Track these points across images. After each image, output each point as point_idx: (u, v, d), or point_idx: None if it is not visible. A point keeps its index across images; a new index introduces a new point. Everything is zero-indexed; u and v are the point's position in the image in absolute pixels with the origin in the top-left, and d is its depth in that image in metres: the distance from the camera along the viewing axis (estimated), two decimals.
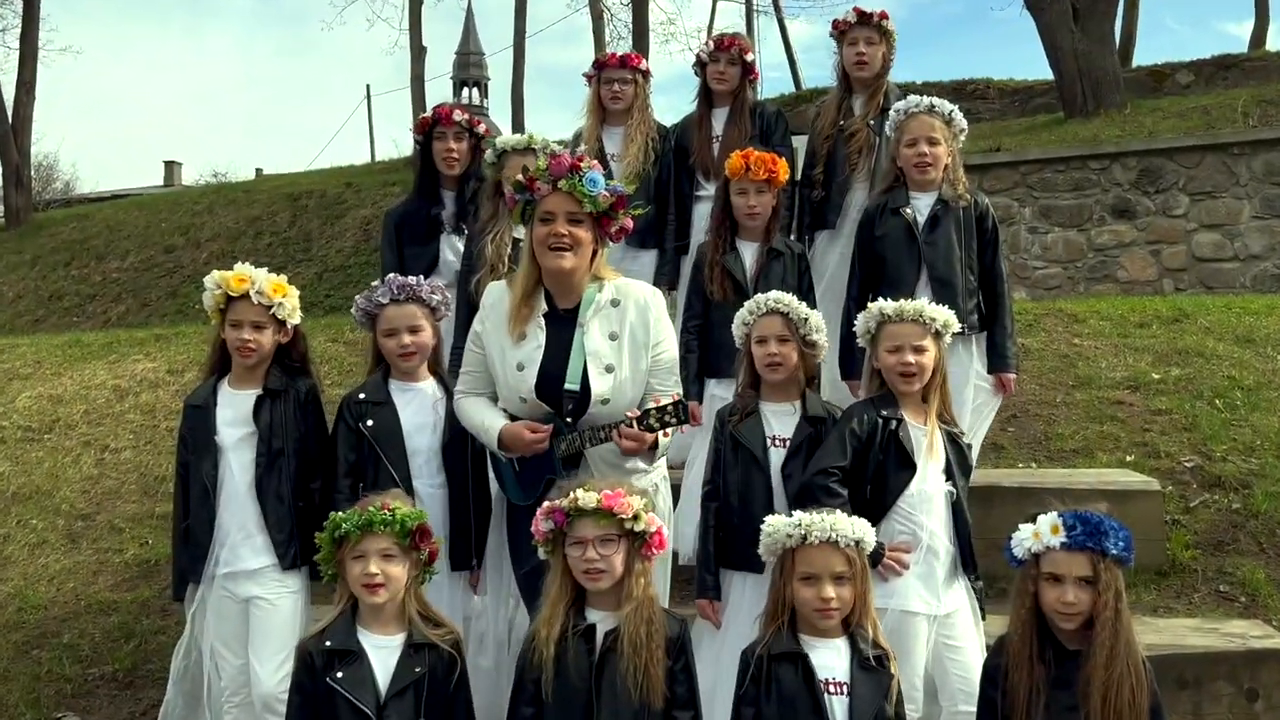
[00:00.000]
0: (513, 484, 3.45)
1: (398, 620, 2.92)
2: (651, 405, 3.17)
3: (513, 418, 3.36)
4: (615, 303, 3.35)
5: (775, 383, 3.56)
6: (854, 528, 2.81)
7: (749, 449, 3.51)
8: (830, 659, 2.77)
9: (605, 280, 3.38)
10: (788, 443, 3.51)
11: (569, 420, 3.28)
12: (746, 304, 3.66)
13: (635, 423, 3.15)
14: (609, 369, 3.29)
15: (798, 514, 2.85)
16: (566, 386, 3.28)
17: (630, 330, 3.32)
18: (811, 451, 3.45)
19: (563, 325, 3.33)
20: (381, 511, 2.89)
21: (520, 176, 3.34)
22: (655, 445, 3.22)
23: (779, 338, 3.53)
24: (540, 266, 3.31)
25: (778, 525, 2.85)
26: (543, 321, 3.34)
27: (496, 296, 3.45)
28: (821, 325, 3.58)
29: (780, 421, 3.55)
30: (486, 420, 3.38)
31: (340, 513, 2.93)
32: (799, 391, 3.58)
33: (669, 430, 3.18)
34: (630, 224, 3.39)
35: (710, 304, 4.27)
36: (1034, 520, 2.82)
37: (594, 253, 3.33)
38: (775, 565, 2.87)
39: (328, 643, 2.87)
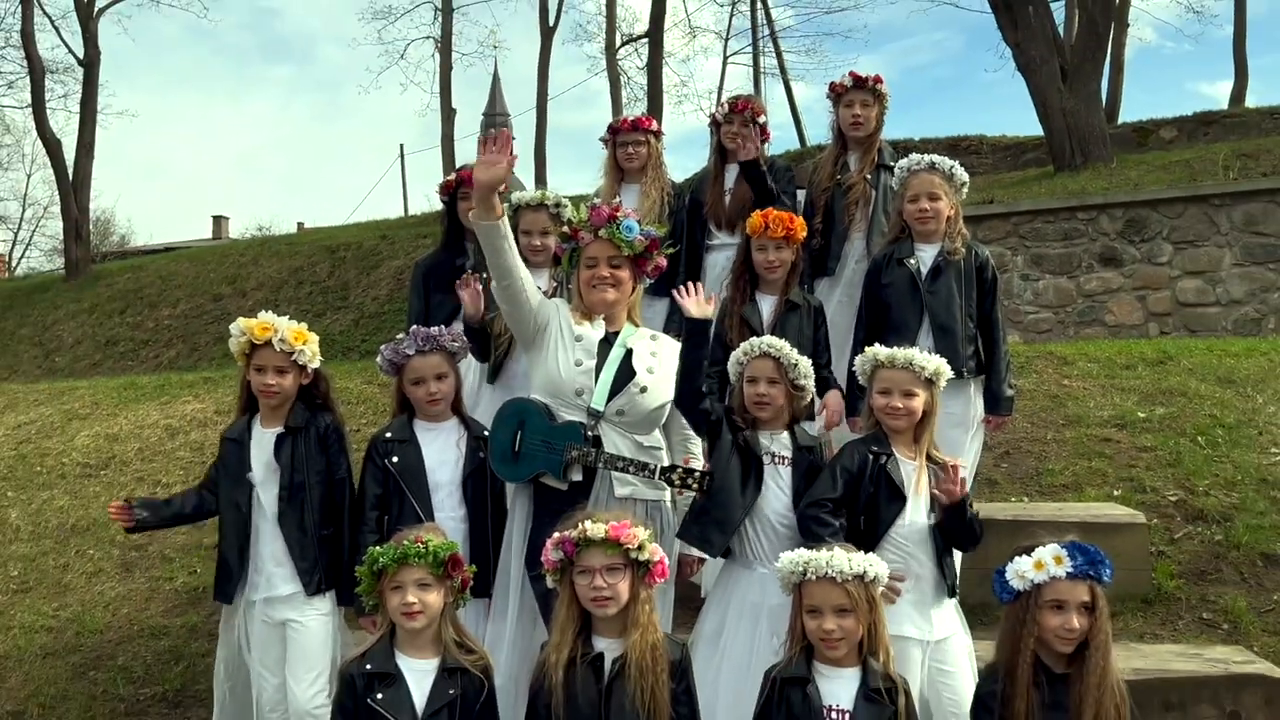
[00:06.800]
0: (505, 454, 3.45)
1: (433, 645, 2.95)
2: (681, 464, 3.33)
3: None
4: (654, 338, 3.64)
5: (762, 419, 3.58)
6: (852, 563, 2.81)
7: (754, 451, 3.48)
8: (838, 687, 2.78)
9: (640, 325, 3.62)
10: (787, 460, 3.51)
11: (591, 434, 3.36)
12: (742, 345, 3.67)
13: (660, 472, 3.28)
14: (650, 370, 3.48)
15: (800, 551, 2.88)
16: (592, 405, 3.37)
17: (666, 357, 3.55)
18: (806, 474, 3.48)
19: (606, 346, 3.51)
20: (415, 545, 2.93)
21: (565, 228, 3.63)
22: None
23: (769, 379, 3.54)
24: (586, 303, 3.53)
25: (784, 561, 2.89)
26: (595, 336, 3.50)
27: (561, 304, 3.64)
28: (810, 371, 3.59)
29: (777, 444, 3.55)
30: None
31: (378, 548, 2.97)
32: (785, 427, 3.59)
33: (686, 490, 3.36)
34: (664, 262, 3.63)
35: (730, 351, 4.30)
36: (1029, 552, 2.85)
37: (633, 288, 3.60)
38: (792, 595, 2.91)
39: (368, 666, 2.90)
